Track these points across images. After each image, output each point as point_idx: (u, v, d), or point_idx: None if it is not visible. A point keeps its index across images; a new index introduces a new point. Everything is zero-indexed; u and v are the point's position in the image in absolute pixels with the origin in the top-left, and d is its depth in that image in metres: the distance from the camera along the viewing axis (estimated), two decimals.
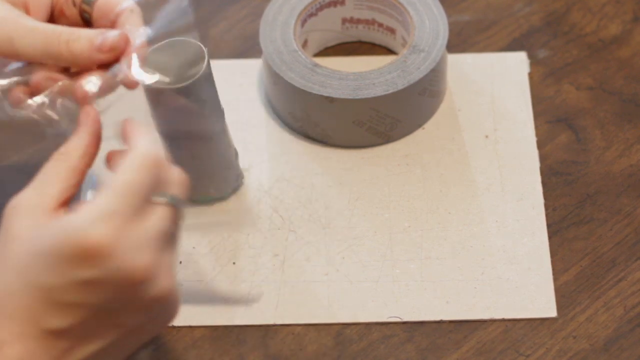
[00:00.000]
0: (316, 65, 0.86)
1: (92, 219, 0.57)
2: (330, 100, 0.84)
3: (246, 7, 0.97)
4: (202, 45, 0.77)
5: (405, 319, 0.78)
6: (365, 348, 0.77)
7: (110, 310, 0.60)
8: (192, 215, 0.82)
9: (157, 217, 0.60)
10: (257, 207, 0.84)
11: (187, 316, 0.78)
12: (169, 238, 0.61)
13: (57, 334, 0.59)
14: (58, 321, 0.59)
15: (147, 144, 0.61)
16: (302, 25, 0.89)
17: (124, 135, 0.63)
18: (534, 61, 0.92)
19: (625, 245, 0.81)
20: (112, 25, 0.69)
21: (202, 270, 0.81)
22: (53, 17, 0.71)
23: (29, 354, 0.59)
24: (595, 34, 0.93)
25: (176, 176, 0.62)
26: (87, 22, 0.70)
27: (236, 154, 0.84)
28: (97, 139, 0.65)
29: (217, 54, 0.93)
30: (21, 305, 0.59)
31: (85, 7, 0.69)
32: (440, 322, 0.78)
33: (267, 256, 0.81)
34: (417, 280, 0.80)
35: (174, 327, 0.78)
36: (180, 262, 0.81)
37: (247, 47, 0.94)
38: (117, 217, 0.58)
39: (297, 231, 0.83)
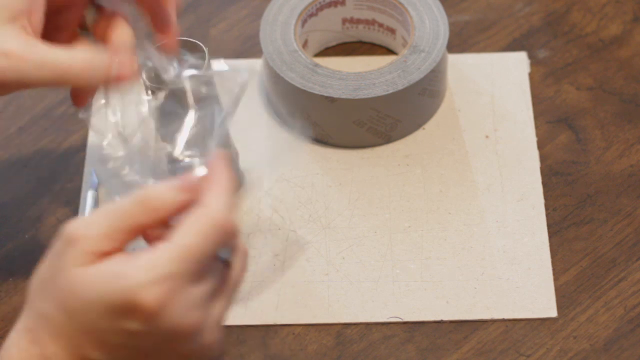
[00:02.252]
0: (316, 65, 0.86)
1: (148, 280, 0.57)
2: (331, 100, 0.84)
3: (246, 7, 0.97)
4: (203, 46, 0.77)
5: (406, 319, 0.78)
6: (366, 348, 0.77)
7: (151, 354, 0.60)
8: None
9: (211, 276, 0.60)
10: (257, 207, 0.84)
11: None
12: (219, 292, 0.61)
13: None
14: (99, 355, 0.60)
15: (220, 207, 0.59)
16: (303, 25, 0.89)
17: (193, 185, 0.60)
18: (534, 61, 0.92)
19: (625, 246, 0.81)
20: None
21: None
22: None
23: None
24: (596, 34, 0.93)
25: (240, 245, 0.62)
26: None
27: (237, 154, 0.84)
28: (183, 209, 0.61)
29: (217, 54, 0.93)
30: (65, 332, 0.60)
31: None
32: (441, 322, 0.78)
33: (268, 256, 0.81)
34: (418, 280, 0.80)
35: None
36: None
37: (247, 47, 0.94)
38: (172, 281, 0.58)
39: (297, 231, 0.83)
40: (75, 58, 0.66)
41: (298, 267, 0.81)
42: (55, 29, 0.70)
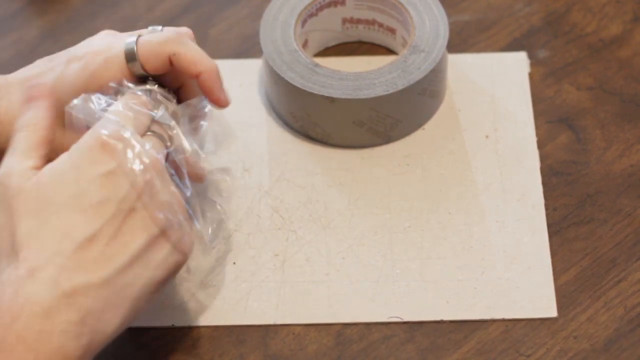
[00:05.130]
0: (316, 65, 0.86)
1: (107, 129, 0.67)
2: (331, 100, 0.84)
3: (246, 7, 0.97)
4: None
5: (406, 319, 0.78)
6: (366, 348, 0.77)
7: (127, 211, 0.66)
8: None
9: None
10: (257, 207, 0.84)
11: (187, 316, 0.78)
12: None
13: (88, 242, 0.64)
14: (88, 226, 0.65)
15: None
16: (303, 25, 0.89)
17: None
18: (534, 61, 0.92)
19: (625, 246, 0.81)
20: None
21: (203, 270, 0.81)
22: None
23: (63, 270, 0.63)
24: (596, 34, 0.93)
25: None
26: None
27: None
28: (56, 111, 0.70)
29: (217, 54, 0.93)
30: (53, 227, 0.64)
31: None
32: (441, 322, 0.78)
33: (268, 256, 0.81)
34: (418, 280, 0.80)
35: (174, 327, 0.78)
36: None
37: (247, 47, 0.94)
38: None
39: (297, 231, 0.83)
40: None
41: (298, 267, 0.81)
42: None
